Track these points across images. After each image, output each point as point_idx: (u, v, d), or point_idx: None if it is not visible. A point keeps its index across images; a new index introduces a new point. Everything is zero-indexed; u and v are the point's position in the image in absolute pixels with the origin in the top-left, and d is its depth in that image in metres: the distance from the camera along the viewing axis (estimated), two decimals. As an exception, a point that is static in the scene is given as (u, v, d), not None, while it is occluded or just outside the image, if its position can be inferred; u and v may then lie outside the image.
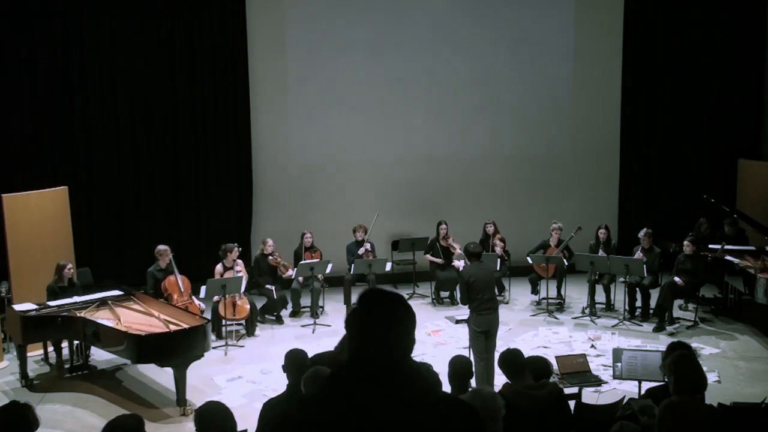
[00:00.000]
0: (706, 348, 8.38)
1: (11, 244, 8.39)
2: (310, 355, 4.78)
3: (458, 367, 4.64)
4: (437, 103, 11.51)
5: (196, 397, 6.95)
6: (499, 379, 6.30)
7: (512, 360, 4.69)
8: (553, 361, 7.49)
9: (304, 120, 11.23)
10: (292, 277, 9.76)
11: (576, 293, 10.36)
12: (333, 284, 10.39)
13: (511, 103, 11.69)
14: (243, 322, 9.05)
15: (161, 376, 7.46)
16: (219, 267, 9.16)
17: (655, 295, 9.34)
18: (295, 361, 4.55)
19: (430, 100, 11.49)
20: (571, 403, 4.97)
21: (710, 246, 9.73)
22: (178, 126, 10.82)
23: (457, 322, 9.21)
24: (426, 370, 3.97)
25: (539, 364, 4.93)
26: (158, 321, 7.30)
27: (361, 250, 10.19)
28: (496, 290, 8.28)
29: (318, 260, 9.73)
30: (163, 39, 10.60)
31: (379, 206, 11.18)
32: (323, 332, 9.20)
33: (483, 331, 6.90)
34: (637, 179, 12.10)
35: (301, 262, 9.58)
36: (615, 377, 6.27)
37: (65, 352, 8.15)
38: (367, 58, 11.23)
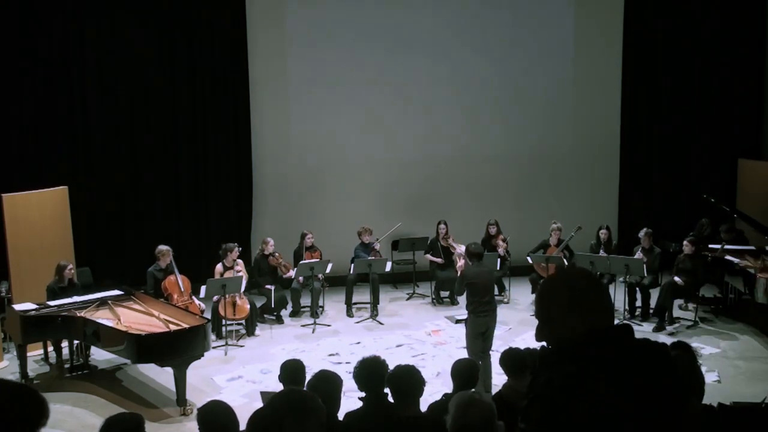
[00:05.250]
0: (706, 348, 8.38)
1: (11, 243, 8.39)
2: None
3: (463, 370, 4.65)
4: (437, 103, 11.51)
5: (196, 397, 6.96)
6: (498, 379, 6.30)
7: (515, 358, 4.70)
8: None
9: (304, 120, 11.23)
10: (293, 277, 9.76)
11: (576, 293, 10.34)
12: (333, 284, 10.39)
13: (512, 103, 11.69)
14: (243, 322, 9.05)
15: (161, 376, 7.46)
16: (219, 267, 9.16)
17: (655, 295, 9.34)
18: (292, 372, 4.52)
19: (430, 100, 11.49)
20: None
21: (710, 246, 9.73)
22: (178, 126, 10.82)
23: (457, 321, 9.21)
24: (410, 372, 3.98)
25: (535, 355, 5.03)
26: (158, 321, 7.30)
27: (376, 245, 10.17)
28: (496, 290, 8.29)
29: (318, 260, 9.73)
30: (163, 38, 10.60)
31: (378, 206, 11.22)
32: (323, 332, 9.20)
33: (481, 333, 6.91)
34: (637, 179, 12.09)
35: (301, 262, 9.58)
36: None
37: (65, 352, 8.15)
38: (368, 58, 11.22)
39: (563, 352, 2.11)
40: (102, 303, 7.85)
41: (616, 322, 2.22)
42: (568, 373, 2.05)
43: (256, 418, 3.08)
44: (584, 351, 2.06)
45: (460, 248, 7.77)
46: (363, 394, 4.03)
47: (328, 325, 9.44)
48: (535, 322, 2.25)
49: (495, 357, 7.06)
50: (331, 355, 8.36)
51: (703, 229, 10.38)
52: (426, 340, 8.85)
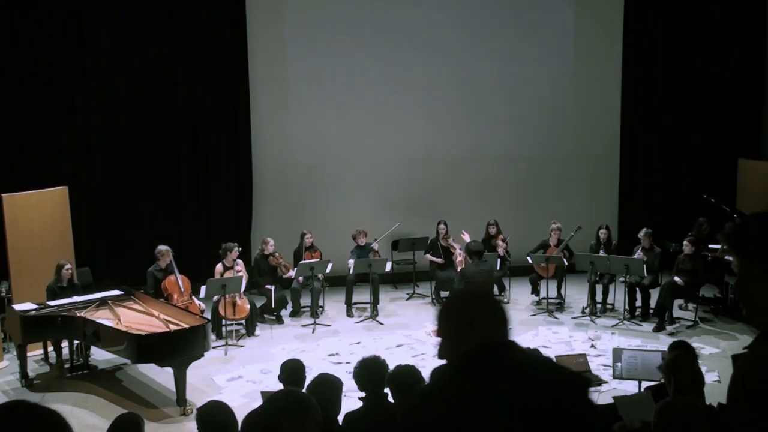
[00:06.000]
0: (706, 348, 8.38)
1: (11, 243, 8.39)
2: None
3: None
4: (437, 103, 11.51)
5: (196, 397, 6.95)
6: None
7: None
8: (553, 361, 7.52)
9: (304, 120, 11.24)
10: (293, 277, 9.76)
11: (576, 293, 10.35)
12: (333, 284, 10.39)
13: (512, 103, 11.69)
14: (243, 322, 9.05)
15: (161, 376, 7.46)
16: (219, 267, 9.16)
17: (655, 294, 9.34)
18: (292, 373, 4.52)
19: (430, 100, 11.49)
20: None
21: (710, 246, 9.73)
22: (178, 125, 10.82)
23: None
24: (411, 371, 4.00)
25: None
26: (158, 321, 7.30)
27: (375, 246, 10.17)
28: (495, 290, 8.28)
29: (318, 260, 9.73)
30: (163, 39, 10.61)
31: (378, 206, 11.22)
32: (323, 332, 9.20)
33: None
34: (637, 179, 12.09)
35: (301, 262, 9.58)
36: (615, 377, 6.26)
37: (65, 352, 8.15)
38: (368, 58, 11.23)
39: (446, 368, 2.15)
40: (102, 303, 7.85)
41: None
42: (431, 387, 2.12)
43: (252, 418, 3.08)
44: (460, 366, 2.08)
45: (466, 236, 7.78)
46: (363, 394, 4.04)
47: (328, 325, 9.44)
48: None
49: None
50: (331, 355, 8.36)
51: (702, 228, 10.38)
52: (426, 340, 8.84)
